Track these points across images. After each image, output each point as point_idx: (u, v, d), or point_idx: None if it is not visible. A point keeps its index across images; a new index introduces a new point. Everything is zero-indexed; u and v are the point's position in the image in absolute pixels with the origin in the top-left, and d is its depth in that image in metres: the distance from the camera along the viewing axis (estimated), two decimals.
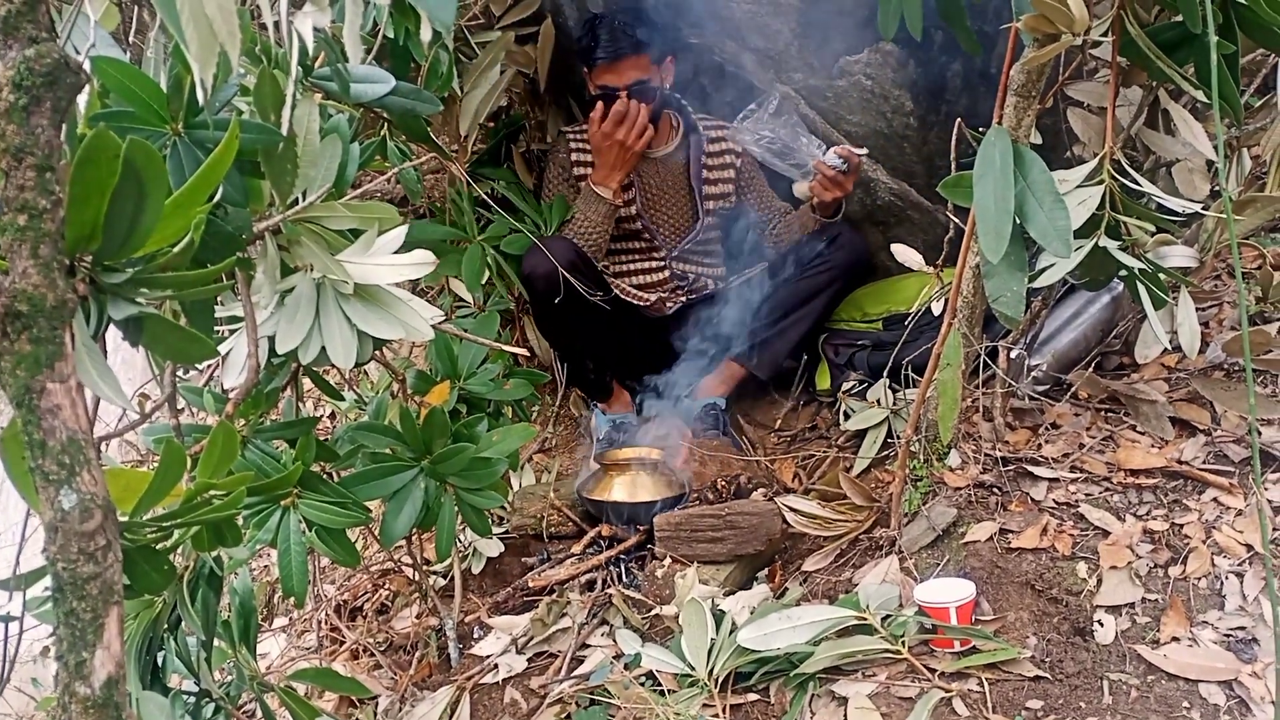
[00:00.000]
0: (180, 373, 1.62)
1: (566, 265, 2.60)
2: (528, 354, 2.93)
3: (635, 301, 2.93)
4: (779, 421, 2.97)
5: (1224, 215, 1.94)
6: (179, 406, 1.54)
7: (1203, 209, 1.85)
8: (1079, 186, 1.73)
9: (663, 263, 2.98)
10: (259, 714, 1.55)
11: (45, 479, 0.77)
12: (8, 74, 0.75)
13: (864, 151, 2.63)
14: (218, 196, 1.17)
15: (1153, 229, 1.79)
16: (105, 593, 0.80)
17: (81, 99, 1.14)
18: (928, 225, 2.80)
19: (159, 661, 1.46)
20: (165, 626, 1.44)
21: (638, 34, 2.68)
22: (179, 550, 1.36)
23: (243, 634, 1.56)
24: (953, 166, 1.89)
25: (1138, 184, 1.72)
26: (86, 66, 0.93)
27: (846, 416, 2.62)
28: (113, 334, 0.98)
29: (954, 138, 1.91)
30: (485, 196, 2.72)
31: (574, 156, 2.90)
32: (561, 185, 2.90)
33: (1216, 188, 2.16)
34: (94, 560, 0.79)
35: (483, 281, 2.67)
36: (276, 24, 1.21)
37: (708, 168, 2.96)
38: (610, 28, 2.67)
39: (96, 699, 0.80)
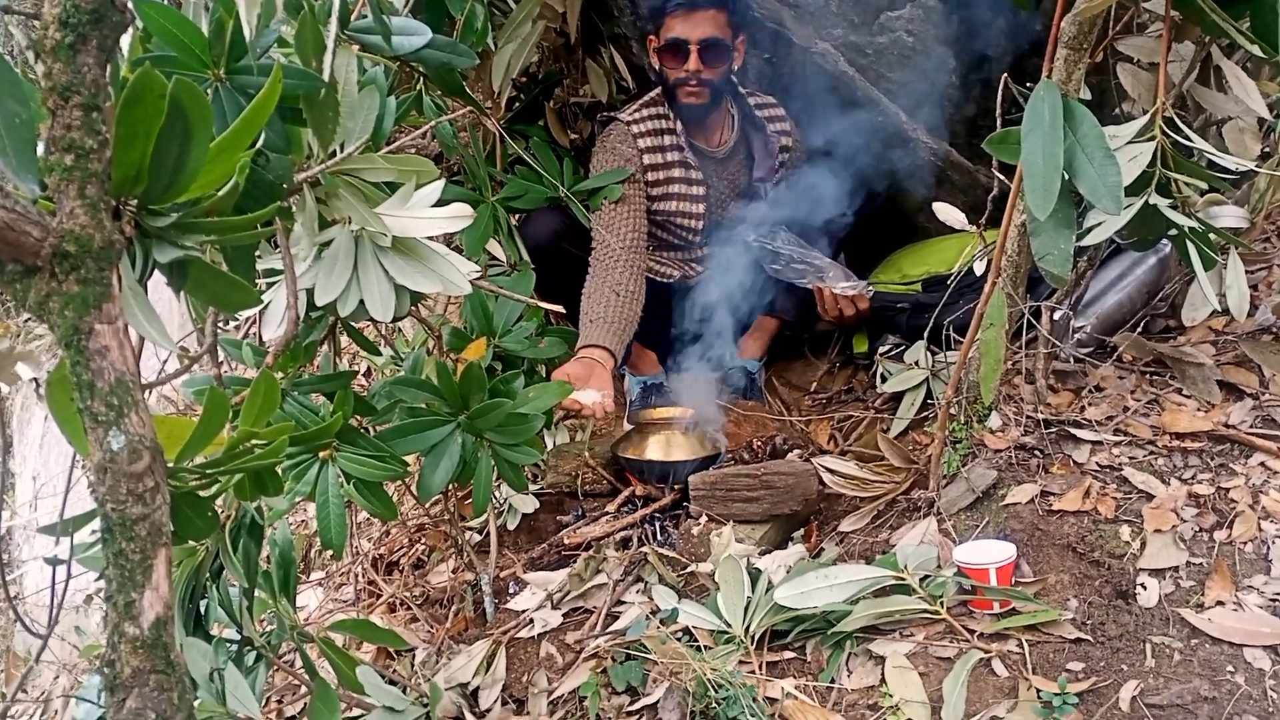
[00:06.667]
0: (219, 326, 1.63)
1: (554, 235, 2.62)
2: (562, 311, 2.92)
3: (658, 278, 2.89)
4: (815, 384, 2.95)
5: (1278, 174, 1.89)
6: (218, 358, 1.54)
7: (1255, 168, 1.81)
8: (1129, 143, 1.69)
9: (702, 249, 2.94)
10: (298, 663, 1.57)
11: (94, 420, 0.78)
12: (54, 11, 0.75)
13: (870, 292, 2.68)
14: (260, 143, 1.16)
15: (1204, 188, 1.75)
16: (154, 534, 0.80)
17: (123, 43, 1.13)
18: (968, 186, 2.75)
19: (202, 609, 1.48)
20: (208, 575, 1.45)
21: None
22: (221, 500, 1.37)
23: (283, 584, 1.58)
24: (998, 122, 1.85)
25: (1189, 141, 1.68)
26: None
27: (884, 379, 2.60)
28: (150, 286, 0.98)
29: (1000, 93, 1.87)
30: (521, 152, 2.69)
31: (646, 159, 2.72)
32: (630, 186, 2.70)
33: (1267, 147, 2.10)
34: (143, 501, 0.79)
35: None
36: None
37: (770, 168, 2.85)
38: None
39: (145, 639, 0.80)
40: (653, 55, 2.68)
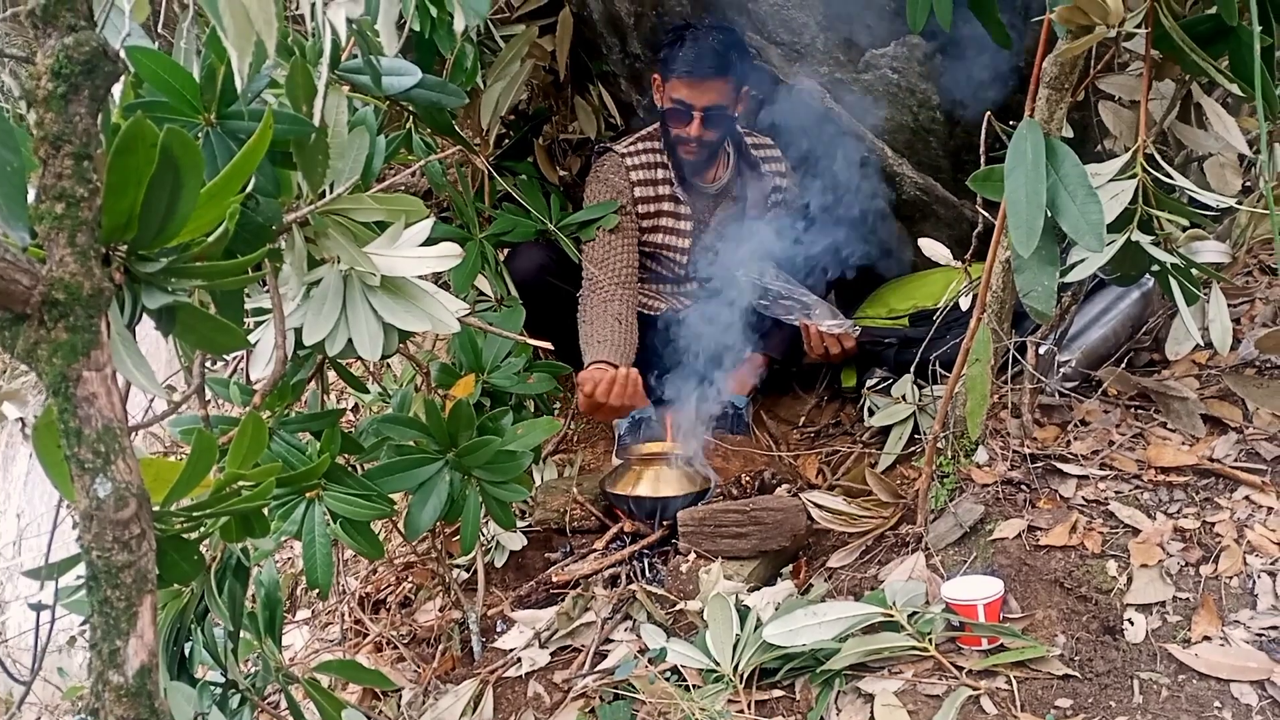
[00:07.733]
0: (207, 364, 1.62)
1: (539, 269, 2.64)
2: (551, 347, 2.92)
3: (646, 311, 2.90)
4: (803, 418, 2.95)
5: (1258, 210, 1.92)
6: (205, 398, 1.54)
7: (1236, 204, 1.83)
8: (1111, 180, 1.71)
9: (689, 283, 2.95)
10: (284, 705, 1.56)
11: (81, 467, 0.77)
12: (47, 62, 0.75)
13: (857, 331, 2.68)
14: (250, 187, 1.16)
15: (1185, 224, 1.77)
16: (139, 581, 0.80)
17: (115, 90, 1.14)
18: (953, 220, 2.77)
19: (186, 652, 1.47)
20: (192, 617, 1.44)
21: (729, 57, 2.57)
22: (206, 542, 1.36)
23: (268, 625, 1.57)
24: (982, 160, 1.87)
25: (1170, 178, 1.70)
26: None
27: (871, 413, 2.61)
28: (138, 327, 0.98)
29: (984, 131, 1.89)
30: (510, 189, 2.71)
31: (637, 191, 2.75)
32: (623, 218, 2.73)
33: (1248, 183, 2.13)
34: (128, 549, 0.79)
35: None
36: (307, 15, 1.21)
37: (763, 206, 2.86)
38: (702, 44, 2.54)
39: (130, 687, 0.80)
40: (657, 97, 2.71)
